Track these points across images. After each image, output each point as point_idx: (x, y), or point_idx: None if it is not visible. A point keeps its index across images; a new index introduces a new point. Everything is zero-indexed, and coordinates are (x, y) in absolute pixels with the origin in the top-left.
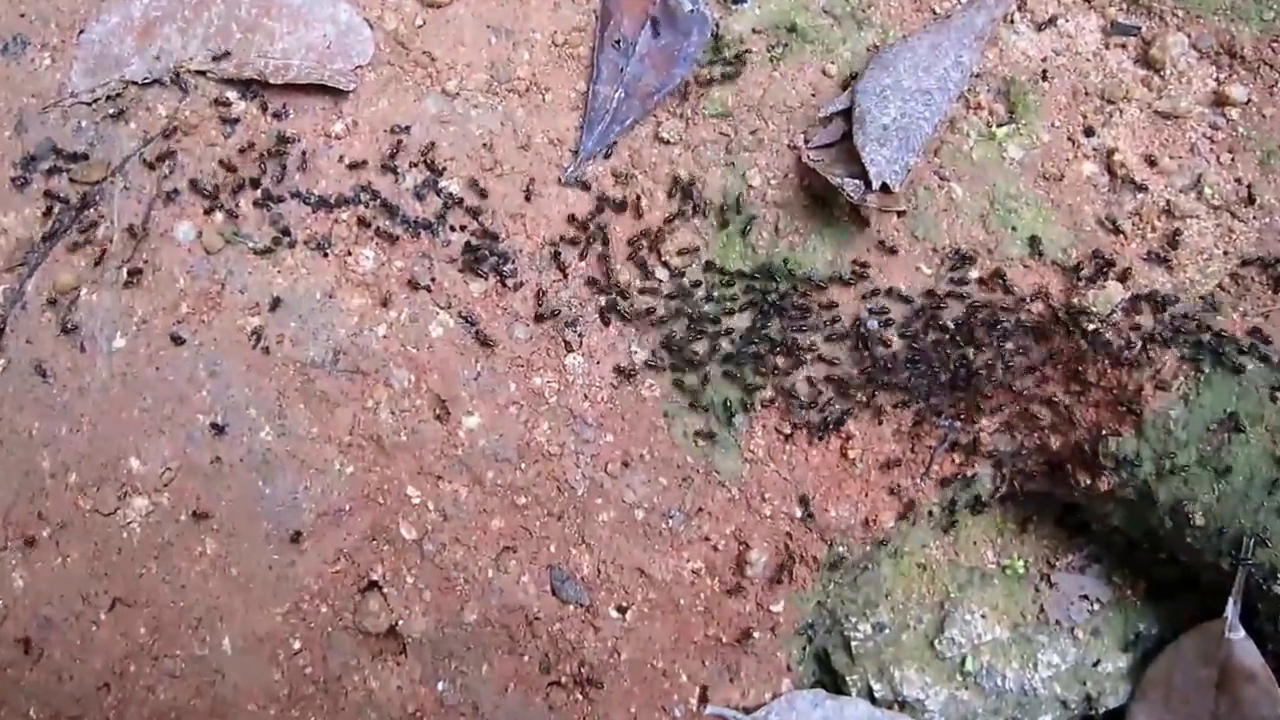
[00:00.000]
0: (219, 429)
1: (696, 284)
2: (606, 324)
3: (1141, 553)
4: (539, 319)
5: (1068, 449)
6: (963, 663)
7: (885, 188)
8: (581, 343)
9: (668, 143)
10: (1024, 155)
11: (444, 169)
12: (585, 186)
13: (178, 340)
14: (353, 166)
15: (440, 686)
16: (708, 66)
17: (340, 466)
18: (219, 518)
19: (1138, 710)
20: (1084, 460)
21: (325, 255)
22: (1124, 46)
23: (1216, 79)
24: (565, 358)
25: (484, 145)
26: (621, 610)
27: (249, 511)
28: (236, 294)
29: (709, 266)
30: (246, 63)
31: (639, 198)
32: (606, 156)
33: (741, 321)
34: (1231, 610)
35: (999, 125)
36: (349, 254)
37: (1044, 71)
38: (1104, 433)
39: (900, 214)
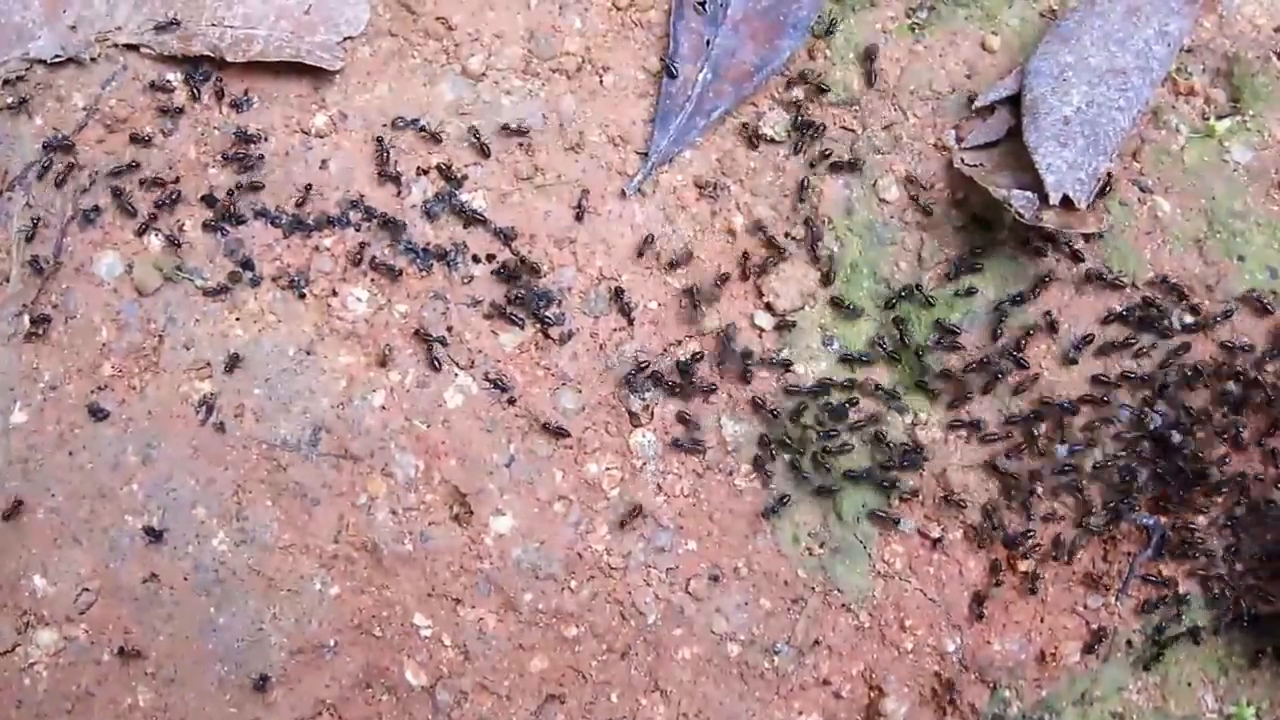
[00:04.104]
0: (155, 535)
1: (809, 333)
2: (687, 389)
3: None
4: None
5: None
6: None
7: (1067, 202)
8: (653, 415)
9: (771, 141)
10: (1253, 158)
11: (464, 178)
12: (658, 201)
13: (99, 413)
14: (340, 175)
15: None
16: (825, 36)
17: (322, 587)
18: (155, 657)
19: None
20: None
21: (301, 296)
22: None
23: None
24: (630, 436)
25: (520, 145)
26: None
27: (197, 649)
28: (179, 350)
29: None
30: (196, 34)
31: (731, 217)
32: (687, 160)
33: (872, 382)
34: None
35: (1219, 117)
36: (334, 294)
37: (1278, 47)
38: None
39: (1087, 238)
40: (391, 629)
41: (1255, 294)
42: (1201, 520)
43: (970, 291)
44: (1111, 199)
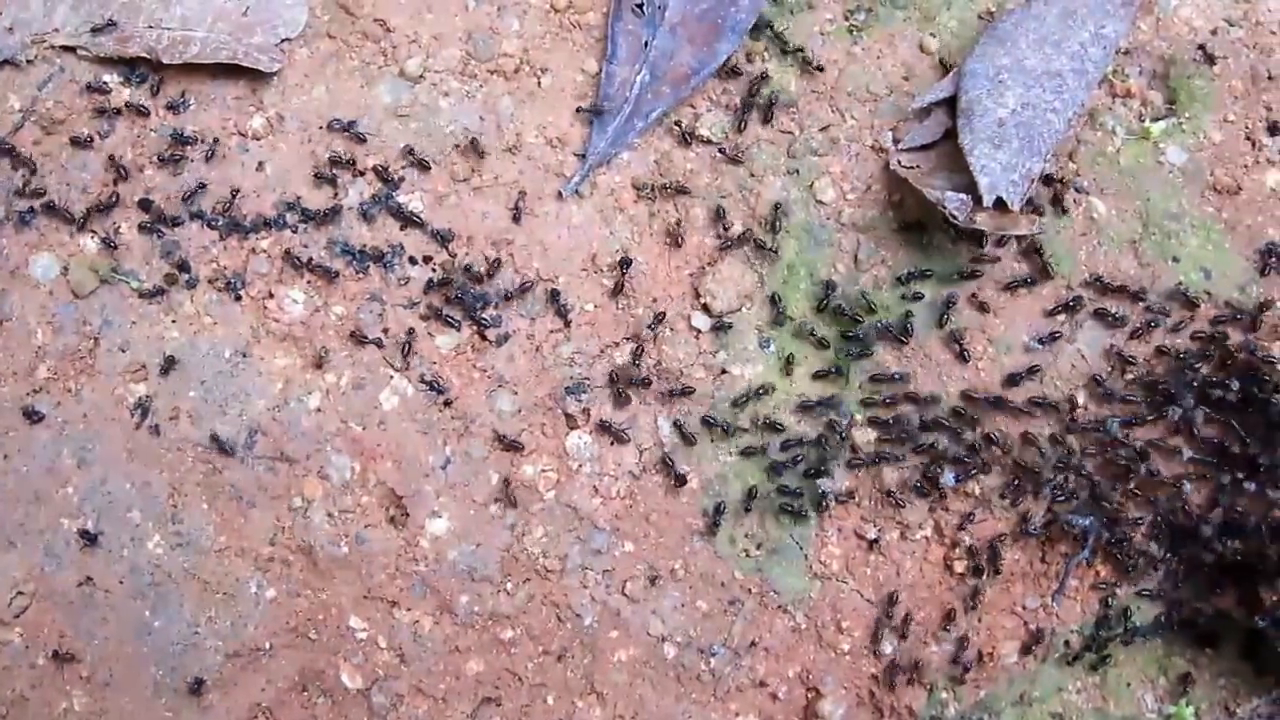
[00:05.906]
0: (90, 539)
1: (746, 335)
2: (623, 392)
3: None
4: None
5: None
6: None
7: (1000, 204)
8: (589, 417)
9: (709, 142)
10: (1188, 160)
11: (401, 179)
12: (595, 203)
13: (33, 416)
14: (276, 176)
15: None
16: (764, 39)
17: (257, 590)
18: (90, 661)
19: None
20: (1277, 570)
21: (237, 299)
22: None
23: None
24: (567, 437)
25: (456, 147)
26: None
27: (131, 653)
28: (115, 352)
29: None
30: (132, 36)
31: (675, 219)
32: (625, 161)
33: (808, 388)
34: None
35: (1154, 120)
36: (270, 296)
37: (1214, 49)
38: None
39: (1021, 239)
40: (327, 632)
41: (1182, 287)
42: (1140, 519)
43: (917, 297)
44: (1044, 201)
